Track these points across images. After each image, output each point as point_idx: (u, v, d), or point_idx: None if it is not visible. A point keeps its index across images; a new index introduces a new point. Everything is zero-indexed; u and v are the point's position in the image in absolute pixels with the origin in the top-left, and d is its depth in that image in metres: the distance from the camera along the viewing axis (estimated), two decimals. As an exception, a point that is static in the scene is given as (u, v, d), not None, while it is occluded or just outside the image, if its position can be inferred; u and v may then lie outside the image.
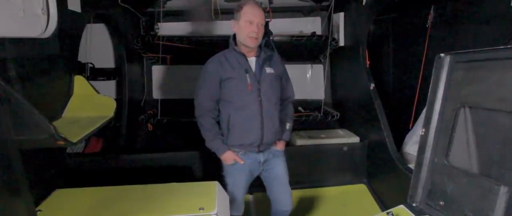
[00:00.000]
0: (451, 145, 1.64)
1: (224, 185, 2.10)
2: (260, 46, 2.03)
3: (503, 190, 1.35)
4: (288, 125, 2.20)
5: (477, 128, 1.58)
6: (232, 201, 2.12)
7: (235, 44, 2.01)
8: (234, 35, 2.02)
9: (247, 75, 1.95)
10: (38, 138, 1.35)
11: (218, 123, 2.07)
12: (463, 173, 1.56)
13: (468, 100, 1.58)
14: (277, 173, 2.17)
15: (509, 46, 1.36)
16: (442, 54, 1.71)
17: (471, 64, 1.58)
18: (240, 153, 2.04)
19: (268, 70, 2.02)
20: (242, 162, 2.05)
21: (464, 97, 1.59)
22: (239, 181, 2.11)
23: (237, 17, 1.95)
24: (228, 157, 2.03)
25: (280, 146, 2.17)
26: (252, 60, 2.01)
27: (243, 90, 1.94)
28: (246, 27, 1.90)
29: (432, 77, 1.73)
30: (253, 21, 1.89)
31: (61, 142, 1.40)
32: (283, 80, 2.15)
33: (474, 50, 1.57)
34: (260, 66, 2.00)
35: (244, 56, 1.98)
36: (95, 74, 3.65)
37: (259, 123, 1.97)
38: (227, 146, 2.02)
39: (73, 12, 2.09)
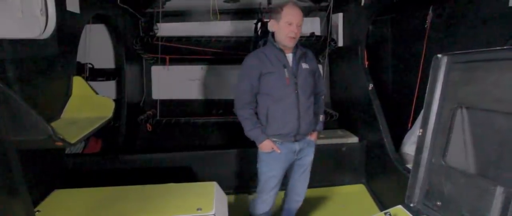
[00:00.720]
0: (448, 146, 1.65)
1: (258, 175, 2.26)
2: (297, 44, 2.17)
3: (499, 190, 1.35)
4: (321, 117, 2.35)
5: (474, 128, 1.58)
6: (263, 190, 2.25)
7: (274, 41, 2.14)
8: (273, 33, 2.16)
9: (285, 70, 2.08)
10: (36, 139, 1.35)
11: (256, 114, 2.20)
12: (460, 174, 1.56)
13: (465, 100, 1.58)
14: (307, 161, 2.33)
15: (505, 47, 1.37)
16: (439, 55, 1.72)
17: (468, 64, 1.59)
18: (277, 142, 2.16)
19: (304, 65, 2.16)
20: (278, 151, 2.15)
21: (461, 98, 1.60)
22: (274, 169, 2.21)
23: (277, 18, 2.07)
24: (266, 145, 2.14)
25: (314, 137, 2.32)
26: (289, 56, 2.14)
27: (281, 83, 2.08)
28: (285, 28, 2.04)
29: (430, 78, 1.74)
30: (292, 22, 2.03)
31: (60, 143, 1.41)
32: (316, 75, 2.29)
33: (471, 51, 1.58)
34: (297, 62, 2.14)
35: (283, 52, 2.12)
36: (95, 74, 3.66)
37: (296, 114, 2.11)
38: (266, 135, 2.13)
39: (71, 13, 2.09)
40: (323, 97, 2.42)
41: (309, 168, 2.36)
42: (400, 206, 1.84)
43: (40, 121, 1.29)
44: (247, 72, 2.12)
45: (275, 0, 3.20)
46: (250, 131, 2.13)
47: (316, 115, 2.29)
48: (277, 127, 2.12)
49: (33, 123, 1.28)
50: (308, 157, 2.32)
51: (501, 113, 1.39)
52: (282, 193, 2.51)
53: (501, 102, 1.37)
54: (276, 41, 2.13)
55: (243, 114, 2.14)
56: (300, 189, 2.40)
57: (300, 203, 2.45)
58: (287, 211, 2.51)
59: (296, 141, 2.19)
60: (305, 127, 2.16)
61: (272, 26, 2.13)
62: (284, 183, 2.42)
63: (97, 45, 3.57)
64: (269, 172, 2.21)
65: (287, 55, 2.14)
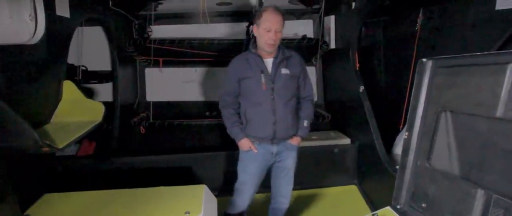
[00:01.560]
0: (433, 149, 1.68)
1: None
2: (279, 48, 2.19)
3: (480, 193, 1.38)
4: (305, 122, 2.32)
5: (457, 132, 1.61)
6: (240, 186, 2.29)
7: (255, 46, 2.18)
8: (255, 38, 2.18)
9: (262, 75, 2.12)
10: (22, 145, 1.36)
11: (239, 113, 2.29)
12: (444, 176, 1.59)
13: (449, 104, 1.61)
14: (287, 165, 2.32)
15: (486, 53, 1.40)
16: (424, 59, 1.74)
17: (451, 69, 1.61)
18: (255, 142, 2.22)
19: (284, 70, 2.17)
20: (255, 151, 2.21)
21: (445, 102, 1.62)
22: (251, 167, 2.27)
23: (258, 24, 2.11)
24: (244, 144, 2.22)
25: (295, 141, 2.30)
26: (269, 61, 2.17)
27: (258, 88, 2.13)
28: (264, 34, 2.07)
29: (415, 82, 1.77)
30: (270, 29, 2.05)
31: (46, 149, 1.42)
32: (300, 80, 2.28)
33: (455, 55, 1.60)
34: (276, 67, 2.15)
35: (260, 58, 2.16)
36: (88, 77, 3.66)
37: (272, 120, 2.14)
38: (245, 134, 2.22)
39: (61, 18, 2.10)
40: (311, 101, 2.38)
41: (291, 172, 2.36)
42: (388, 208, 1.87)
43: (25, 127, 1.29)
44: (228, 75, 2.23)
45: (267, 2, 3.21)
46: (230, 129, 2.24)
47: (300, 119, 2.30)
48: (254, 130, 2.20)
49: (18, 130, 1.29)
50: (288, 161, 2.32)
51: (482, 117, 1.42)
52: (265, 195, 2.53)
53: (482, 106, 1.39)
54: (258, 46, 2.17)
55: (224, 113, 2.26)
56: (284, 191, 2.40)
57: (286, 205, 2.45)
58: (273, 212, 2.51)
59: (273, 144, 2.22)
60: (281, 132, 2.19)
61: (254, 30, 2.16)
62: (269, 185, 2.44)
63: (94, 47, 3.58)
64: (246, 169, 2.28)
65: (266, 60, 2.17)
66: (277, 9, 2.10)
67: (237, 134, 2.22)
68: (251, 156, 2.24)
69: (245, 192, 2.31)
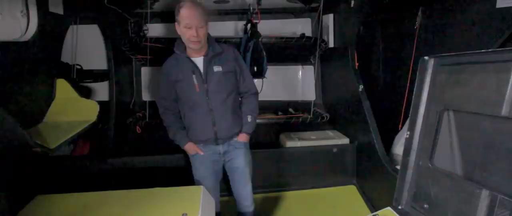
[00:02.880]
0: (435, 148, 1.65)
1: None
2: (209, 44, 2.05)
3: (484, 193, 1.35)
4: (249, 118, 2.23)
5: (460, 131, 1.58)
6: None
7: (182, 46, 2.05)
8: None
9: (194, 76, 2.01)
10: (12, 145, 1.31)
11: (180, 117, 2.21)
12: (447, 176, 1.56)
13: (452, 103, 1.58)
14: (238, 164, 2.25)
15: (489, 50, 1.37)
16: (426, 57, 1.71)
17: (454, 67, 1.58)
18: (200, 145, 2.18)
19: (216, 68, 2.05)
20: (202, 153, 2.17)
21: (448, 100, 1.59)
22: (202, 171, 2.24)
23: (178, 21, 1.94)
24: (189, 148, 2.18)
25: (241, 138, 2.22)
26: (200, 60, 2.04)
27: (191, 91, 2.03)
28: (185, 32, 1.91)
29: (417, 80, 1.74)
30: (191, 26, 1.88)
31: (37, 149, 1.37)
32: (237, 75, 2.16)
33: (457, 53, 1.57)
34: (207, 66, 2.03)
35: (188, 58, 2.03)
36: (83, 76, 3.59)
37: (210, 121, 2.07)
38: (189, 138, 2.16)
39: (55, 14, 2.05)
40: (254, 94, 2.27)
41: (245, 170, 2.28)
42: (388, 208, 1.84)
43: (15, 127, 1.25)
44: (162, 78, 2.14)
45: (265, 1, 3.18)
46: (174, 136, 2.18)
47: (244, 115, 2.21)
48: (195, 134, 2.14)
49: (8, 129, 1.24)
50: (239, 159, 2.23)
51: (485, 115, 1.39)
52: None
53: (486, 104, 1.36)
54: (185, 45, 2.02)
55: (164, 119, 2.19)
56: (244, 194, 2.33)
57: (251, 208, 2.38)
58: None
59: (218, 144, 2.17)
60: (223, 132, 2.12)
61: (176, 28, 1.99)
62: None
63: (89, 45, 3.51)
64: (197, 174, 2.25)
65: (196, 59, 2.04)
66: (195, 2, 1.93)
67: (181, 140, 2.17)
68: (199, 160, 2.21)
69: None
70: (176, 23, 1.96)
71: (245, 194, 2.33)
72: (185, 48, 2.04)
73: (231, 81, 2.13)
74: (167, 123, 2.19)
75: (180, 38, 2.03)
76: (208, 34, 2.04)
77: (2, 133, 1.25)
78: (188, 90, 2.04)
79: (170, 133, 2.18)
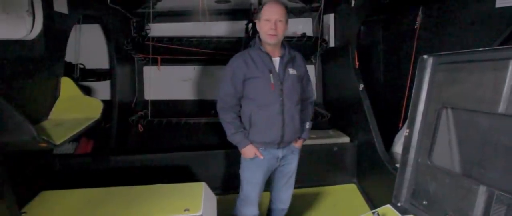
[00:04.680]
0: (434, 146, 1.67)
1: (240, 181, 2.20)
2: (284, 47, 2.10)
3: (482, 189, 1.37)
4: (307, 124, 2.26)
5: (458, 128, 1.60)
6: (246, 198, 2.19)
7: (261, 43, 2.05)
8: (259, 36, 2.07)
9: (271, 75, 2.00)
10: (19, 140, 1.34)
11: (239, 117, 2.12)
12: (445, 173, 1.58)
13: (450, 101, 1.60)
14: (290, 169, 2.25)
15: (486, 48, 1.39)
16: (425, 56, 1.74)
17: (452, 65, 1.61)
18: (260, 148, 2.08)
19: (291, 71, 2.07)
20: (261, 157, 2.08)
21: (446, 98, 1.62)
22: (256, 176, 2.14)
23: (259, 17, 2.02)
24: (249, 151, 2.06)
25: (299, 144, 2.23)
26: (276, 60, 2.05)
27: (266, 89, 1.99)
28: (264, 25, 1.96)
29: (416, 79, 1.76)
30: (270, 19, 1.94)
31: (44, 144, 1.40)
32: (304, 81, 2.21)
33: (455, 52, 1.60)
34: (284, 67, 2.04)
35: (269, 56, 2.02)
36: (86, 75, 3.63)
37: (280, 122, 2.02)
38: (249, 140, 2.06)
39: (59, 13, 2.08)
40: (312, 102, 2.33)
41: (293, 176, 2.29)
42: (388, 206, 1.86)
43: (23, 122, 1.28)
44: (230, 75, 2.03)
45: (266, 0, 3.20)
46: (233, 136, 2.06)
47: (302, 122, 2.20)
48: (261, 134, 2.04)
49: (16, 125, 1.27)
50: (292, 165, 2.24)
51: (483, 113, 1.41)
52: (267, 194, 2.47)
53: (483, 102, 1.39)
54: (262, 42, 2.05)
55: (225, 118, 2.06)
56: (284, 197, 2.34)
57: (285, 211, 2.39)
58: (273, 214, 2.45)
59: (279, 148, 2.11)
60: (289, 135, 2.08)
61: (257, 26, 2.07)
62: (268, 184, 2.35)
63: (91, 45, 3.55)
64: (252, 179, 2.15)
65: (274, 59, 2.05)
66: (278, 1, 2.03)
67: (241, 141, 2.05)
68: (257, 163, 2.10)
69: (253, 203, 2.20)
70: (257, 21, 2.04)
71: (285, 198, 2.33)
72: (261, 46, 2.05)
73: (300, 86, 2.15)
74: (228, 120, 2.05)
75: (258, 37, 2.06)
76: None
77: (10, 127, 1.28)
78: (263, 88, 1.99)
79: (230, 131, 2.05)
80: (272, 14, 1.95)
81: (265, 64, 2.01)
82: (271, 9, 1.96)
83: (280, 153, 2.13)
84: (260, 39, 2.06)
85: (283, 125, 2.03)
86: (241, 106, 2.10)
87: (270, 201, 2.44)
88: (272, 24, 1.94)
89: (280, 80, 2.02)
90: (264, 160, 2.10)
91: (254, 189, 2.16)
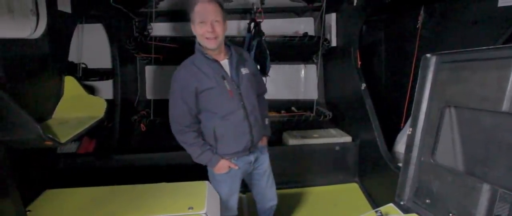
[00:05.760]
0: (437, 144, 1.67)
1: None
2: (228, 46, 1.90)
3: (485, 187, 1.38)
4: (267, 120, 2.19)
5: (461, 127, 1.61)
6: (226, 207, 2.10)
7: (203, 49, 1.81)
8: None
9: (225, 81, 1.81)
10: (25, 138, 1.35)
11: (201, 133, 1.95)
12: (448, 172, 1.59)
13: (453, 99, 1.61)
14: (265, 168, 2.18)
15: (490, 47, 1.39)
16: (428, 55, 1.74)
17: (455, 64, 1.61)
18: (232, 159, 1.96)
19: (244, 70, 1.90)
20: (236, 168, 1.97)
21: (449, 97, 1.62)
22: (234, 187, 2.06)
23: (192, 21, 1.77)
24: (222, 166, 1.93)
25: (265, 142, 2.16)
26: (226, 64, 1.86)
27: (224, 98, 1.82)
28: (199, 28, 1.74)
29: (419, 77, 1.76)
30: (205, 21, 1.71)
31: (49, 142, 1.41)
32: (257, 76, 2.08)
33: (458, 50, 1.60)
34: (236, 69, 1.86)
35: (216, 61, 1.82)
36: (88, 74, 3.64)
37: (247, 127, 1.89)
38: (219, 155, 1.92)
39: (63, 13, 2.09)
40: (263, 95, 2.21)
41: (271, 173, 2.23)
42: (391, 204, 1.87)
43: (29, 120, 1.29)
44: (179, 91, 1.80)
45: (268, 0, 3.21)
46: (200, 157, 1.88)
47: (263, 118, 2.09)
48: (230, 146, 1.90)
49: (22, 123, 1.28)
50: (265, 164, 2.16)
51: (486, 111, 1.42)
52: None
53: (486, 100, 1.39)
54: (204, 48, 1.79)
55: (184, 140, 1.86)
56: (270, 195, 2.27)
57: (275, 205, 2.33)
58: (265, 213, 2.38)
59: (251, 152, 2.01)
60: (257, 136, 1.97)
61: (192, 30, 1.80)
62: (245, 185, 2.30)
63: (94, 44, 3.55)
64: (230, 190, 2.05)
65: (222, 62, 1.84)
66: None
67: (212, 158, 1.89)
68: (232, 176, 1.99)
69: (233, 207, 2.14)
70: (192, 24, 1.79)
71: (271, 194, 2.26)
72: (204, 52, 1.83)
73: (256, 82, 2.02)
74: (189, 141, 1.85)
75: (197, 42, 1.83)
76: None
77: (16, 125, 1.29)
78: (220, 97, 1.81)
79: (195, 153, 1.88)
80: (206, 15, 1.70)
81: (216, 72, 1.80)
82: (204, 10, 1.71)
83: (252, 157, 2.03)
84: (200, 45, 1.82)
85: (251, 130, 1.90)
86: (200, 122, 1.92)
87: (257, 203, 2.36)
88: (208, 26, 1.71)
89: (236, 84, 1.85)
90: (239, 170, 2.00)
91: (233, 197, 2.10)
